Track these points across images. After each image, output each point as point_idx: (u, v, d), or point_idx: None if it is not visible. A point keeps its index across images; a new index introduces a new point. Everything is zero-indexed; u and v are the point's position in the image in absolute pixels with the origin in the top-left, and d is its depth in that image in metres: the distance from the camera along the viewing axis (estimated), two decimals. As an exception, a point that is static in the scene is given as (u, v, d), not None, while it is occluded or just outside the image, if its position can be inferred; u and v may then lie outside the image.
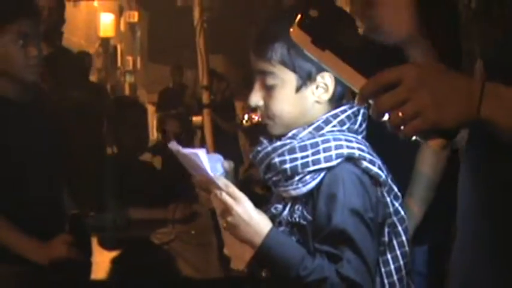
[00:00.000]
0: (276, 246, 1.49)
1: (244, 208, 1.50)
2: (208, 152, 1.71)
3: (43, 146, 2.35)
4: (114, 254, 2.64)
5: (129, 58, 14.56)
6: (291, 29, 1.14)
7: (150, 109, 9.37)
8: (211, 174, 1.54)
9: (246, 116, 7.00)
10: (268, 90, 1.57)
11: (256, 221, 1.50)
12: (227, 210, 1.51)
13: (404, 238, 1.59)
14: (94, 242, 2.65)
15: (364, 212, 1.50)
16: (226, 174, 1.65)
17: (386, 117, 1.08)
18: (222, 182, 1.53)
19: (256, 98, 1.59)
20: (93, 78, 9.62)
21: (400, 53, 1.92)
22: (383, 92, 1.07)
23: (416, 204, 2.08)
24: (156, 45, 11.77)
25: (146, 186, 3.13)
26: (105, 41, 12.74)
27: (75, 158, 2.66)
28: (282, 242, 1.51)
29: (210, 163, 1.60)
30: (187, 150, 1.57)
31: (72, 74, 3.38)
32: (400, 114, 1.06)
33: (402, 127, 1.07)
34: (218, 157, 1.69)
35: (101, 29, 12.38)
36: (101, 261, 2.50)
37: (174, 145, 1.59)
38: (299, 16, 1.13)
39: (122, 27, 14.59)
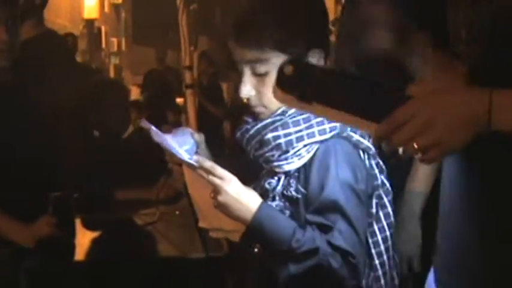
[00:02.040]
0: (267, 221, 1.51)
1: (233, 186, 1.52)
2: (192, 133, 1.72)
3: (25, 128, 2.33)
4: (97, 235, 2.64)
5: (114, 40, 14.48)
6: (273, 92, 1.14)
7: (135, 90, 9.34)
8: (188, 157, 1.54)
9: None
10: (260, 77, 1.56)
11: (246, 198, 1.52)
12: (216, 190, 1.52)
13: (390, 209, 1.64)
14: (78, 223, 2.65)
15: (355, 184, 1.54)
16: (198, 146, 1.67)
17: (400, 149, 1.11)
18: (208, 164, 1.53)
19: (247, 89, 1.58)
20: (78, 60, 9.56)
21: (385, 77, 1.94)
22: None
23: (415, 223, 2.10)
24: (141, 26, 11.70)
25: (129, 166, 3.12)
26: (89, 23, 12.66)
27: (58, 139, 2.65)
28: (273, 216, 1.53)
29: (178, 138, 1.61)
30: (157, 131, 1.57)
31: (58, 56, 3.35)
32: (415, 145, 1.08)
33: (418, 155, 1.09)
34: (187, 130, 1.70)
35: (85, 11, 12.30)
36: (85, 243, 2.50)
37: (146, 123, 1.59)
38: (276, 77, 1.12)
39: (106, 8, 14.50)
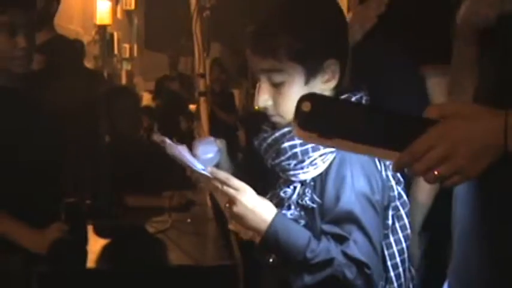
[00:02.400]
0: (282, 231, 1.51)
1: (247, 197, 1.52)
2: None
3: (36, 134, 2.33)
4: (109, 242, 2.64)
5: (126, 46, 14.51)
6: (294, 131, 1.13)
7: (147, 97, 9.35)
8: (202, 169, 1.54)
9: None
10: (277, 87, 1.57)
11: (261, 208, 1.52)
12: (231, 201, 1.52)
13: (406, 221, 1.62)
14: (89, 230, 2.65)
15: (371, 194, 1.53)
16: (221, 153, 1.67)
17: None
18: (222, 175, 1.53)
19: (264, 99, 1.58)
20: (89, 65, 9.58)
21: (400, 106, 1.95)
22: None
23: (414, 231, 2.08)
24: (153, 32, 11.73)
25: (142, 174, 3.12)
26: (101, 29, 12.68)
27: (71, 145, 2.65)
28: (288, 226, 1.53)
29: (202, 146, 1.62)
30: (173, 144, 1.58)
31: (67, 61, 3.36)
32: (436, 173, 1.09)
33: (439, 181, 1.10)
34: (210, 139, 1.71)
35: (97, 17, 12.32)
36: (96, 250, 2.49)
37: (158, 137, 1.58)
38: (294, 115, 1.12)
39: (119, 14, 14.53)
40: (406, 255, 1.62)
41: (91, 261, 2.37)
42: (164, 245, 2.56)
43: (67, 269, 2.25)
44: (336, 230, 1.52)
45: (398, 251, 1.60)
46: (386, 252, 1.59)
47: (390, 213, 1.59)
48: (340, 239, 1.51)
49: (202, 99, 3.21)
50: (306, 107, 1.11)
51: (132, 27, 15.37)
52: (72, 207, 2.30)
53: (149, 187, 3.10)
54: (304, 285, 1.51)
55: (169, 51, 8.12)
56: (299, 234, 1.51)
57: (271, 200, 1.62)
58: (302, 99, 1.11)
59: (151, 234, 2.68)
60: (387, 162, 1.57)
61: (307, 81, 1.55)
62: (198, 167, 1.54)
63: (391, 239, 1.60)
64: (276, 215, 1.52)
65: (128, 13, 15.04)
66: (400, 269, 1.61)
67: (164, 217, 2.80)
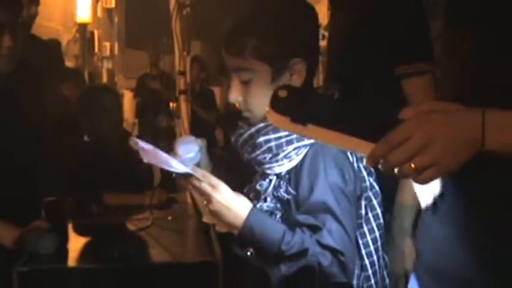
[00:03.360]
0: (257, 226, 1.55)
1: (222, 194, 1.55)
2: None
3: (17, 133, 2.33)
4: (90, 240, 2.64)
5: (107, 44, 14.45)
6: (267, 114, 1.15)
7: (128, 95, 9.33)
8: (182, 167, 1.56)
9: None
10: (245, 84, 1.64)
11: (236, 205, 1.56)
12: (207, 198, 1.55)
13: (379, 211, 1.69)
14: (70, 228, 2.65)
15: (344, 185, 1.58)
16: (202, 152, 1.70)
17: (396, 170, 1.09)
18: (199, 172, 1.56)
19: (235, 95, 1.66)
20: (70, 64, 9.55)
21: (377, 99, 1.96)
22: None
23: (407, 234, 2.10)
24: (134, 30, 11.72)
25: (123, 172, 3.12)
26: (82, 27, 12.62)
27: (51, 144, 2.65)
28: (263, 221, 1.57)
29: (183, 146, 1.64)
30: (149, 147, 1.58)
31: (45, 61, 3.36)
32: (413, 165, 1.08)
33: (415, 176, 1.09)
34: (191, 138, 1.73)
35: (77, 15, 12.25)
36: (77, 248, 2.50)
37: (134, 143, 1.59)
38: (270, 100, 1.13)
39: (99, 13, 14.46)
40: (379, 243, 1.68)
41: (72, 260, 2.37)
42: (145, 243, 2.57)
43: (48, 268, 2.25)
44: (310, 220, 1.56)
45: (372, 239, 1.66)
46: (360, 242, 1.65)
47: (363, 203, 1.65)
48: (315, 229, 1.55)
49: (182, 97, 3.22)
50: (282, 93, 1.13)
51: (113, 25, 15.31)
52: (53, 206, 2.31)
53: (130, 185, 3.10)
54: (282, 275, 1.55)
55: (149, 49, 8.10)
56: (274, 228, 1.56)
57: (248, 194, 1.67)
58: (279, 87, 1.14)
59: (133, 232, 2.69)
60: (359, 154, 1.60)
61: (273, 79, 1.62)
62: (176, 167, 1.56)
63: (365, 228, 1.66)
64: (251, 210, 1.56)
65: (108, 11, 14.98)
66: (374, 257, 1.67)
67: (145, 215, 2.81)
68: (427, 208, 1.39)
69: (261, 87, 1.61)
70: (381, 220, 1.68)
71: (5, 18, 2.22)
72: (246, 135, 1.66)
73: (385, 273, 1.72)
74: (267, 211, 1.62)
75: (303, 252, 1.53)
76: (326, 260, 1.53)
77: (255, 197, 1.66)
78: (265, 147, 1.61)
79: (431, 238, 1.37)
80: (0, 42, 2.22)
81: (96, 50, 13.59)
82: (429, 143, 1.07)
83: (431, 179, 1.10)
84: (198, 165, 1.71)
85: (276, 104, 1.13)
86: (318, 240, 1.54)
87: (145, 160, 1.58)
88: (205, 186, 1.55)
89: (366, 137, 1.10)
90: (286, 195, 1.61)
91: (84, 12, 12.06)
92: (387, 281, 1.72)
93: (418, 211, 2.09)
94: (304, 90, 1.31)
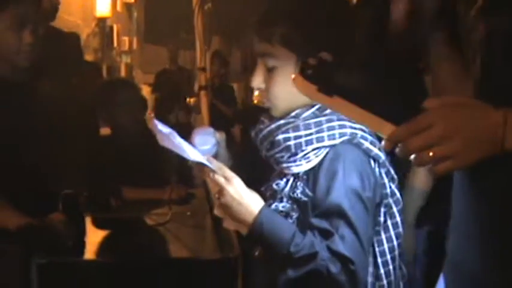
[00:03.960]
0: (267, 224, 1.51)
1: (235, 188, 1.52)
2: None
3: (36, 127, 2.34)
4: (109, 234, 2.64)
5: (126, 39, 14.50)
6: (293, 80, 1.14)
7: (146, 90, 9.34)
8: (197, 156, 1.54)
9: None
10: (269, 72, 1.60)
11: (248, 200, 1.52)
12: (220, 191, 1.52)
13: (398, 219, 1.63)
14: (89, 222, 2.65)
15: (362, 191, 1.53)
16: (219, 146, 1.68)
17: (412, 157, 1.09)
18: (214, 163, 1.54)
19: (258, 81, 1.62)
20: (88, 58, 9.57)
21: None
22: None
23: (409, 223, 2.09)
24: (153, 26, 11.71)
25: (142, 166, 3.12)
26: (101, 21, 12.66)
27: (70, 138, 2.65)
28: (274, 220, 1.53)
29: (200, 137, 1.62)
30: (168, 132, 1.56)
31: (64, 54, 3.36)
32: (431, 154, 1.07)
33: (431, 165, 1.09)
34: (209, 130, 1.71)
35: (97, 9, 12.29)
36: (96, 242, 2.50)
37: (153, 124, 1.57)
38: (299, 66, 1.14)
39: (119, 7, 14.51)
40: (396, 252, 1.62)
41: (90, 253, 2.37)
42: (164, 238, 2.56)
43: (67, 260, 2.25)
44: (323, 224, 1.51)
45: (389, 248, 1.60)
46: (377, 250, 1.60)
47: (382, 210, 1.59)
48: (327, 234, 1.50)
49: (202, 93, 3.20)
50: (313, 61, 1.13)
51: (132, 20, 15.33)
52: (70, 199, 2.30)
53: (149, 180, 3.09)
54: (288, 279, 1.50)
55: (169, 45, 8.10)
56: (284, 228, 1.51)
57: (265, 192, 1.63)
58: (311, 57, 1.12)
59: (151, 227, 2.68)
60: (380, 160, 1.57)
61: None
62: (190, 155, 1.53)
63: (383, 236, 1.60)
64: (263, 208, 1.52)
65: (127, 6, 15.01)
66: (390, 267, 1.61)
67: (164, 210, 2.80)
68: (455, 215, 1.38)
69: (285, 77, 1.56)
70: (400, 229, 1.62)
71: (25, 14, 2.22)
72: (265, 131, 1.63)
73: (401, 284, 1.65)
74: (282, 212, 1.58)
75: (312, 256, 1.48)
76: (335, 267, 1.48)
77: (271, 196, 1.62)
78: (283, 145, 1.57)
79: (456, 235, 1.35)
80: (21, 38, 2.23)
81: (115, 44, 13.65)
82: (451, 134, 1.07)
83: (447, 170, 1.09)
84: (216, 157, 1.69)
85: (305, 70, 1.12)
86: (329, 246, 1.49)
87: (160, 143, 1.56)
88: (218, 178, 1.52)
89: (389, 119, 1.09)
90: (303, 197, 1.57)
91: (103, 7, 12.10)
92: None
93: (426, 193, 2.08)
94: (333, 63, 1.30)
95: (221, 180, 1.52)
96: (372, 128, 1.15)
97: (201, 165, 1.54)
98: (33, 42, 2.24)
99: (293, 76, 1.15)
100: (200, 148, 1.65)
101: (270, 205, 1.59)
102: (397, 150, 1.10)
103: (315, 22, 1.59)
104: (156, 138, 1.57)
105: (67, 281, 2.25)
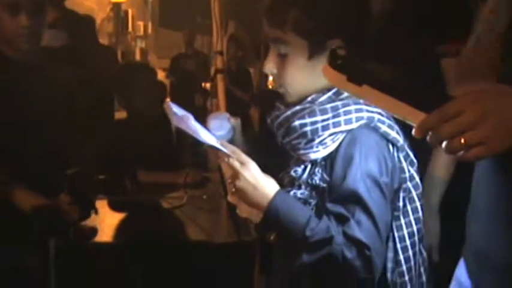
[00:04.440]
0: (282, 208, 1.50)
1: (250, 172, 1.51)
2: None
3: (50, 110, 2.34)
4: (124, 217, 2.65)
5: (140, 23, 14.52)
6: (324, 71, 1.16)
7: (161, 74, 9.34)
8: (212, 139, 1.53)
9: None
10: (282, 58, 1.59)
11: (263, 185, 1.51)
12: (234, 175, 1.51)
13: (418, 204, 1.60)
14: (105, 204, 2.66)
15: (379, 176, 1.51)
16: (234, 131, 1.66)
17: (444, 144, 1.08)
18: (230, 148, 1.53)
19: (270, 66, 1.61)
20: (103, 42, 9.58)
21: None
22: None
23: (433, 209, 2.08)
24: (168, 10, 11.70)
25: (158, 150, 3.12)
26: (116, 6, 12.67)
27: (86, 121, 2.65)
28: (289, 204, 1.52)
29: (215, 121, 1.61)
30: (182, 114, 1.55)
31: (81, 35, 3.36)
32: (463, 140, 1.06)
33: (462, 152, 1.08)
34: (224, 115, 1.70)
35: (112, -6, 12.31)
36: (112, 224, 2.50)
37: (169, 107, 1.56)
38: (328, 56, 1.14)
39: (134, -9, 14.51)
40: (416, 238, 1.60)
41: (107, 236, 2.38)
42: (180, 221, 2.57)
43: (84, 242, 2.26)
44: (339, 209, 1.50)
45: (409, 233, 1.58)
46: (396, 235, 1.58)
47: (401, 195, 1.57)
48: (342, 219, 1.49)
49: (219, 76, 3.19)
50: (341, 51, 1.15)
51: (147, 4, 15.34)
52: (74, 178, 2.29)
53: (165, 164, 3.10)
54: (303, 264, 1.49)
55: (184, 29, 8.08)
56: (299, 212, 1.50)
57: (282, 179, 1.61)
58: (337, 47, 1.16)
59: (167, 210, 2.69)
60: (399, 144, 1.55)
61: (310, 57, 1.56)
62: (204, 138, 1.53)
63: (402, 221, 1.58)
64: (278, 192, 1.51)
65: (142, -10, 15.02)
66: (410, 252, 1.59)
67: (180, 193, 2.80)
68: (476, 198, 1.37)
69: (296, 63, 1.56)
70: (420, 214, 1.60)
71: None
72: (281, 117, 1.61)
73: (422, 269, 1.63)
74: (300, 199, 1.56)
75: (327, 240, 1.46)
76: (350, 252, 1.46)
77: (289, 183, 1.60)
78: (300, 131, 1.55)
79: (480, 223, 1.35)
80: (17, 22, 2.25)
81: (130, 29, 13.66)
82: (482, 120, 1.05)
83: (478, 157, 1.08)
84: (231, 143, 1.68)
85: (335, 61, 1.13)
86: (345, 230, 1.47)
87: (174, 124, 1.55)
88: (233, 162, 1.51)
89: (419, 107, 1.09)
90: (321, 183, 1.55)
91: (118, -9, 12.10)
92: (424, 277, 1.64)
93: (448, 187, 2.07)
94: (363, 53, 1.33)
95: (236, 164, 1.51)
96: (402, 116, 1.14)
97: (215, 149, 1.54)
98: (31, 25, 2.27)
99: (322, 67, 1.16)
100: (215, 133, 1.65)
101: (288, 192, 1.57)
102: (428, 137, 1.09)
103: (327, 9, 1.57)
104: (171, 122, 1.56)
105: (83, 262, 2.27)
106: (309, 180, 1.57)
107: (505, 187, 1.29)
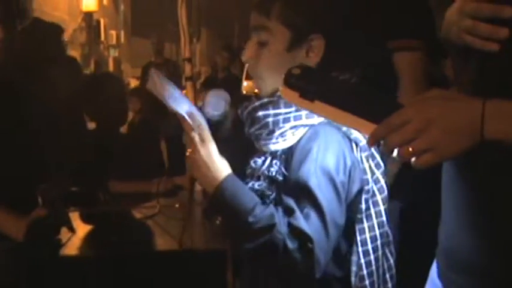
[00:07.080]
0: (229, 191, 1.51)
1: (208, 151, 1.53)
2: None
3: (19, 123, 2.32)
4: (97, 228, 2.62)
5: (113, 32, 14.44)
6: (281, 91, 1.23)
7: (134, 83, 9.31)
8: (183, 107, 1.53)
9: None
10: (261, 46, 1.61)
11: (217, 166, 1.53)
12: (193, 149, 1.53)
13: (382, 207, 1.60)
14: (76, 217, 2.63)
15: (335, 173, 1.51)
16: (226, 115, 1.68)
17: (396, 151, 1.12)
18: (197, 121, 1.53)
19: (249, 54, 1.63)
20: (76, 53, 9.53)
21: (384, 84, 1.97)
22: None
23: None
24: (140, 19, 11.70)
25: (129, 160, 3.10)
26: (88, 16, 12.61)
27: (55, 133, 2.63)
28: (237, 188, 1.52)
29: (213, 99, 1.62)
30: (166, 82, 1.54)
31: (48, 41, 3.34)
32: (410, 149, 1.10)
33: (413, 159, 1.11)
34: (224, 96, 1.70)
35: (83, 3, 12.24)
36: (83, 237, 2.48)
37: (153, 71, 1.56)
38: (284, 76, 1.21)
39: (105, 1, 14.45)
40: (379, 242, 1.59)
41: (79, 248, 2.35)
42: (153, 230, 2.55)
43: (55, 257, 2.24)
44: (289, 201, 1.50)
45: (371, 237, 1.58)
46: (358, 238, 1.58)
47: (363, 197, 1.57)
48: (291, 211, 1.49)
49: (188, 83, 3.19)
50: (296, 71, 1.20)
51: (119, 13, 15.28)
52: (46, 192, 2.28)
53: (137, 173, 3.08)
54: (245, 250, 1.51)
55: (153, 37, 8.08)
56: (246, 198, 1.51)
57: (245, 170, 1.64)
58: (294, 67, 1.21)
59: (140, 220, 2.67)
60: (360, 143, 1.56)
61: (289, 48, 1.59)
62: (176, 106, 1.52)
63: (365, 224, 1.58)
64: (228, 175, 1.53)
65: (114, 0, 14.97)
66: (371, 257, 1.58)
67: (152, 203, 2.78)
68: (445, 200, 1.38)
69: (275, 52, 1.59)
70: (384, 218, 1.59)
71: None
72: (249, 107, 1.63)
73: (387, 276, 1.63)
74: (257, 190, 1.58)
75: (269, 228, 1.46)
76: (292, 243, 1.46)
77: (250, 174, 1.63)
78: (263, 122, 1.58)
79: (446, 224, 1.36)
80: None
81: (103, 38, 13.59)
82: (427, 127, 1.08)
83: (428, 163, 1.10)
84: (220, 126, 1.68)
85: (289, 79, 1.20)
86: (290, 221, 1.48)
87: (148, 86, 1.55)
88: (195, 136, 1.53)
89: (369, 118, 1.13)
90: (278, 176, 1.57)
91: (89, 1, 12.04)
92: (390, 284, 1.63)
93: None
94: (316, 70, 1.38)
95: (197, 139, 1.52)
96: (355, 128, 1.21)
97: (182, 119, 1.53)
98: (5, 38, 2.24)
99: (280, 88, 1.22)
100: (208, 110, 1.65)
101: (247, 183, 1.59)
102: (381, 147, 1.14)
103: (311, 3, 1.61)
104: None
105: (56, 276, 2.24)
106: (267, 172, 1.59)
107: (466, 189, 1.31)
